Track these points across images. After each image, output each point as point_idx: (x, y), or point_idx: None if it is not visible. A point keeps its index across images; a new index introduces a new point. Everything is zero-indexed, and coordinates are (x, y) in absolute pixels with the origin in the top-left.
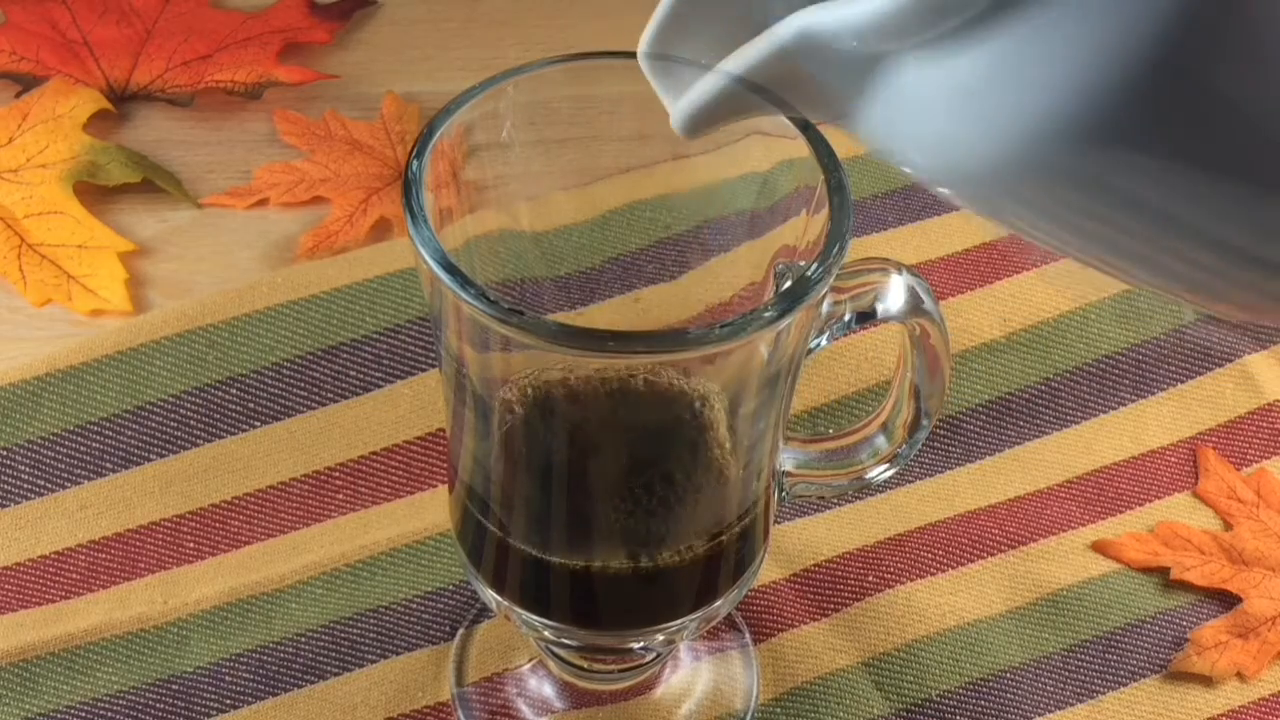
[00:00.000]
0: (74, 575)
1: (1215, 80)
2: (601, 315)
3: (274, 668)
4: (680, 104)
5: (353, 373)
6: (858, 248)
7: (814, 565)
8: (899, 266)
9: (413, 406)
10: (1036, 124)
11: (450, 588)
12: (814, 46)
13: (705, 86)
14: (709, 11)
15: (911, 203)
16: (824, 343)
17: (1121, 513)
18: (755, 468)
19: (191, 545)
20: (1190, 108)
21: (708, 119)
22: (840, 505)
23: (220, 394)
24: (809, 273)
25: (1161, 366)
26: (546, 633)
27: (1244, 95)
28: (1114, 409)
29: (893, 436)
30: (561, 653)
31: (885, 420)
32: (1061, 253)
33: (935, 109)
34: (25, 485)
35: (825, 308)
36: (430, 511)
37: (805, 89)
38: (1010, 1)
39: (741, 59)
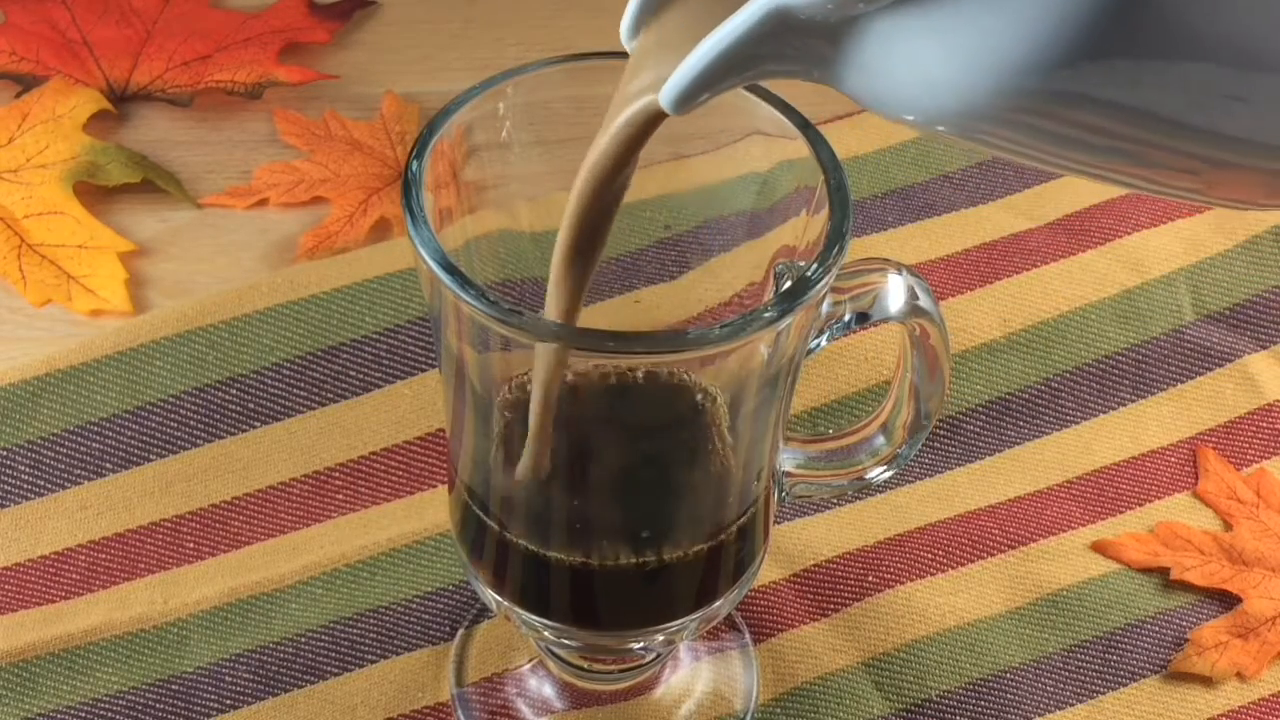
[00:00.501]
0: (74, 575)
1: None
2: (601, 315)
3: (274, 668)
4: (667, 83)
5: (353, 373)
6: (858, 248)
7: (814, 565)
8: (899, 266)
9: (413, 406)
10: (1018, 56)
11: (450, 588)
12: (789, 16)
13: (689, 64)
14: None
15: (911, 203)
16: (824, 343)
17: (1121, 513)
18: (755, 468)
19: (191, 545)
20: (1153, 13)
21: (694, 95)
22: (840, 505)
23: (220, 394)
24: (809, 273)
25: (1161, 366)
26: (546, 633)
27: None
28: (1114, 409)
29: (892, 437)
30: (561, 653)
31: (885, 420)
32: (1050, 167)
33: (916, 57)
34: (25, 485)
35: (825, 308)
36: (430, 511)
37: (786, 55)
38: None
39: (720, 35)
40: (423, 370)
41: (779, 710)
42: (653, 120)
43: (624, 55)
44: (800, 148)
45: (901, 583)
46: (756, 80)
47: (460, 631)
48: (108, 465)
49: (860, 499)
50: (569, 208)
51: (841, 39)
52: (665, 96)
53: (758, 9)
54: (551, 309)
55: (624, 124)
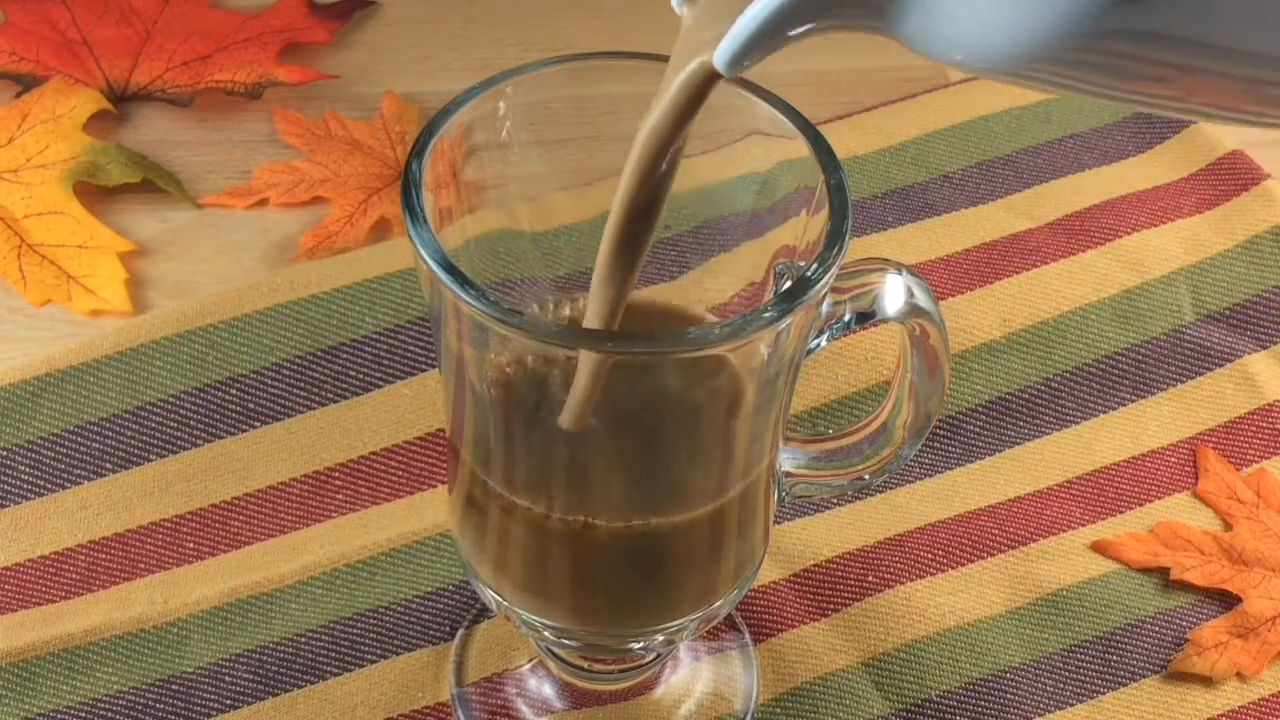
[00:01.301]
0: (74, 575)
1: None
2: None
3: (274, 668)
4: (721, 43)
5: (353, 373)
6: (858, 248)
7: (814, 565)
8: (898, 266)
9: (413, 406)
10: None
11: (450, 588)
12: None
13: (744, 22)
14: None
15: (911, 203)
16: (824, 343)
17: (1121, 513)
18: (755, 467)
19: (191, 545)
20: None
21: (748, 53)
22: (840, 505)
23: (220, 394)
24: (809, 273)
25: (1161, 366)
26: (547, 633)
27: None
28: (1114, 409)
29: (892, 437)
30: (561, 653)
31: (885, 420)
32: (1098, 97)
33: (972, 3)
34: (25, 485)
35: (825, 308)
36: (430, 511)
37: (843, 5)
38: None
39: None
40: (423, 370)
41: (779, 710)
42: (706, 82)
43: (624, 55)
44: (800, 148)
45: (901, 583)
46: (808, 36)
47: (460, 631)
48: (108, 465)
49: (860, 499)
50: (620, 191)
51: None
52: (720, 56)
53: None
54: (594, 310)
55: (679, 88)
